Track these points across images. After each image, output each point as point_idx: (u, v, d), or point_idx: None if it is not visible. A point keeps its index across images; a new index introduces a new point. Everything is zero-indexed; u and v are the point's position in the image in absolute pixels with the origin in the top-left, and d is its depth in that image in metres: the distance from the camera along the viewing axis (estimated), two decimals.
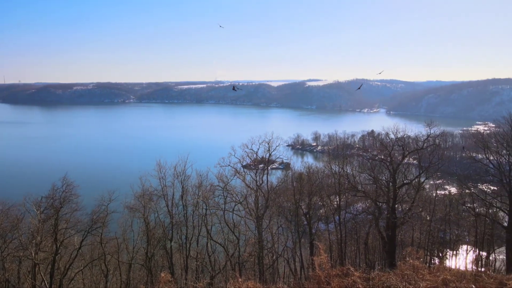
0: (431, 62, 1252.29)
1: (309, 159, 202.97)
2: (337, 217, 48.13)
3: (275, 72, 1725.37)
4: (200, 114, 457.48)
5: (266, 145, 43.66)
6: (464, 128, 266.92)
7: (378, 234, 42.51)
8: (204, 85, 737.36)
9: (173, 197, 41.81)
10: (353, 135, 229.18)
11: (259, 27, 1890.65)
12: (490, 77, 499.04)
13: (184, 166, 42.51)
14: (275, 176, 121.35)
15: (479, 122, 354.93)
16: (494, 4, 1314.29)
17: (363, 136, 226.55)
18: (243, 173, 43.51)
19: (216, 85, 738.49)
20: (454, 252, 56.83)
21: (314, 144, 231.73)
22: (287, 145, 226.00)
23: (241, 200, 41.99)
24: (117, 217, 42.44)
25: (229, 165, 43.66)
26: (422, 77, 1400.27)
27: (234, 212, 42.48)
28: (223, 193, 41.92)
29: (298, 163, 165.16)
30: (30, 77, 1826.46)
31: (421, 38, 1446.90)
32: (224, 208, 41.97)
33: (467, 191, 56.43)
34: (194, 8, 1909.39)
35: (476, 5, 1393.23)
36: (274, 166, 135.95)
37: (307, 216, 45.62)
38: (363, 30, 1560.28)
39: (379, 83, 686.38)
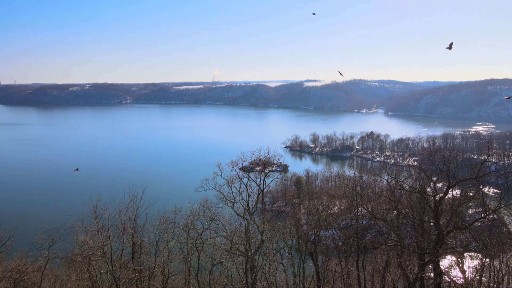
0: (428, 63, 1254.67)
1: (307, 161, 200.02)
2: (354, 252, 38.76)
3: (272, 73, 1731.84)
4: (196, 116, 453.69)
5: (263, 154, 37.63)
6: (464, 129, 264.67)
7: (403, 275, 31.31)
8: (202, 86, 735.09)
9: (121, 256, 30.26)
10: (352, 136, 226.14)
11: (257, 27, 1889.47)
12: (488, 77, 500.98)
13: (136, 211, 30.12)
14: (273, 189, 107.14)
15: (478, 123, 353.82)
16: (491, 4, 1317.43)
17: (362, 137, 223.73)
18: (232, 199, 35.54)
19: (214, 86, 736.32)
20: (460, 260, 54.34)
21: (313, 145, 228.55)
22: (285, 147, 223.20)
23: (225, 257, 32.23)
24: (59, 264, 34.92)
25: (214, 188, 36.76)
26: (419, 78, 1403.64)
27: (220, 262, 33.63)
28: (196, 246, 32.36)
29: (296, 168, 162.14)
30: (26, 77, 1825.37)
31: (418, 38, 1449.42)
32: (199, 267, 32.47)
33: (470, 194, 54.00)
34: (191, 9, 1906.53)
35: (474, 5, 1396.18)
36: (271, 168, 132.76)
37: (313, 255, 36.73)
38: (361, 30, 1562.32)
39: (376, 84, 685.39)
